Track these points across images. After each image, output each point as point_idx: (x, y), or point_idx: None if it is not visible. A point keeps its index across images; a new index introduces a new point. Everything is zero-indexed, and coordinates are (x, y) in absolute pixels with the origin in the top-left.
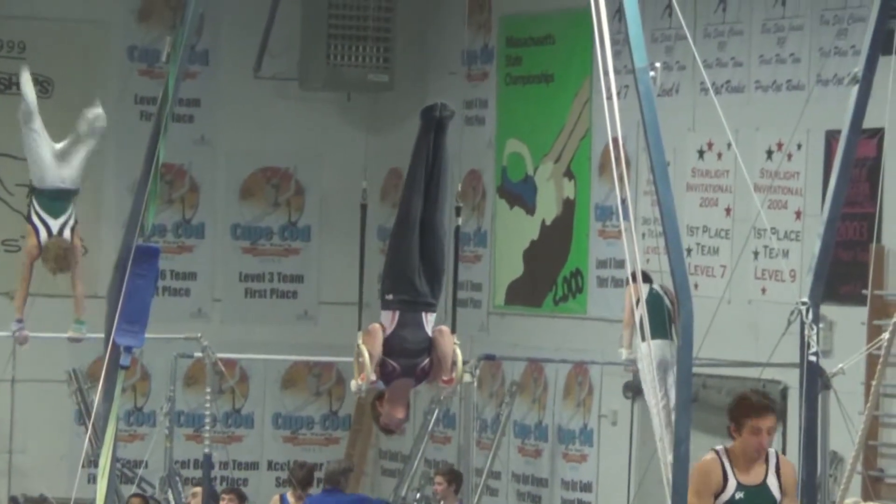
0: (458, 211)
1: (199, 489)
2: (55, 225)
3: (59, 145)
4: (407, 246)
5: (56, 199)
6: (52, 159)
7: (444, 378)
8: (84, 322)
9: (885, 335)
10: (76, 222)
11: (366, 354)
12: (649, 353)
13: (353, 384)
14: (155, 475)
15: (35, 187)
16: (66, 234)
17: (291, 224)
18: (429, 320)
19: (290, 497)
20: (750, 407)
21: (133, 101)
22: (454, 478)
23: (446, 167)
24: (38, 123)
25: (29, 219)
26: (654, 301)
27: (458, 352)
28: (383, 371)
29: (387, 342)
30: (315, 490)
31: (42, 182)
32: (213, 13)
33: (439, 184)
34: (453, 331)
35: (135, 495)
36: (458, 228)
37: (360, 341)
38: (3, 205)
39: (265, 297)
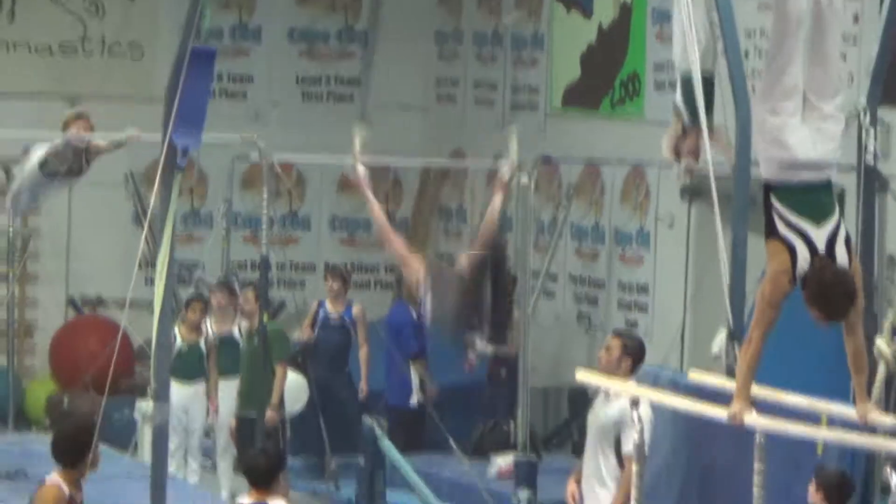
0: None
1: (250, 292)
2: None
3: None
4: None
5: None
6: None
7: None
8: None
9: None
10: None
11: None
12: None
13: None
14: (212, 276)
15: None
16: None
17: (348, 27)
18: None
19: (328, 303)
20: (823, 307)
21: None
22: None
23: None
24: None
25: None
26: None
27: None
28: None
29: None
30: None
31: None
32: None
33: None
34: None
35: (196, 299)
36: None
37: None
38: (59, 6)
39: (322, 100)
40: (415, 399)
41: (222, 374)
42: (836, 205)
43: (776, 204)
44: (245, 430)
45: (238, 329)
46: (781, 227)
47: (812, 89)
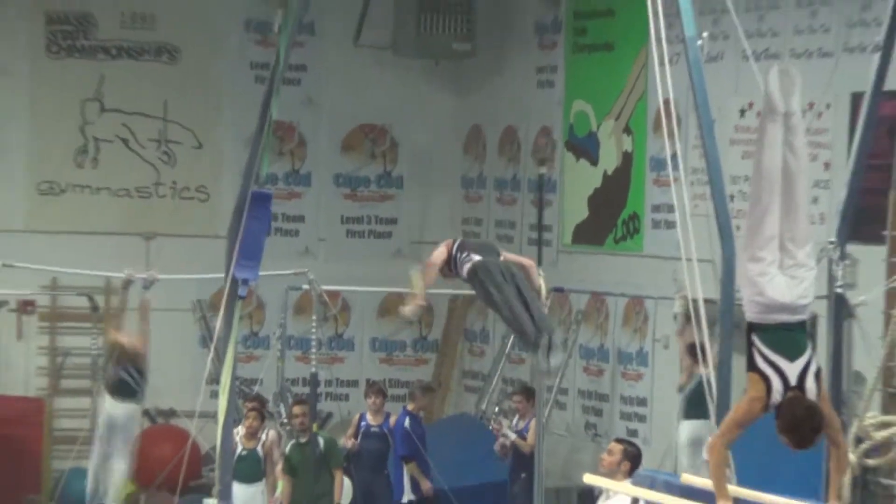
0: (542, 162)
1: (301, 407)
2: None
3: None
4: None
5: None
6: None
7: None
8: None
9: None
10: None
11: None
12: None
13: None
14: (269, 391)
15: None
16: None
17: (387, 173)
18: None
19: (368, 415)
20: (793, 438)
21: (249, 67)
22: (530, 394)
23: None
24: None
25: None
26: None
27: (543, 283)
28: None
29: None
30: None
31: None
32: None
33: None
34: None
35: (252, 409)
36: (542, 177)
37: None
38: (136, 155)
39: (364, 237)
40: (405, 498)
41: (247, 481)
42: (809, 342)
43: (756, 341)
44: None
45: (261, 444)
46: (760, 362)
47: (787, 237)
